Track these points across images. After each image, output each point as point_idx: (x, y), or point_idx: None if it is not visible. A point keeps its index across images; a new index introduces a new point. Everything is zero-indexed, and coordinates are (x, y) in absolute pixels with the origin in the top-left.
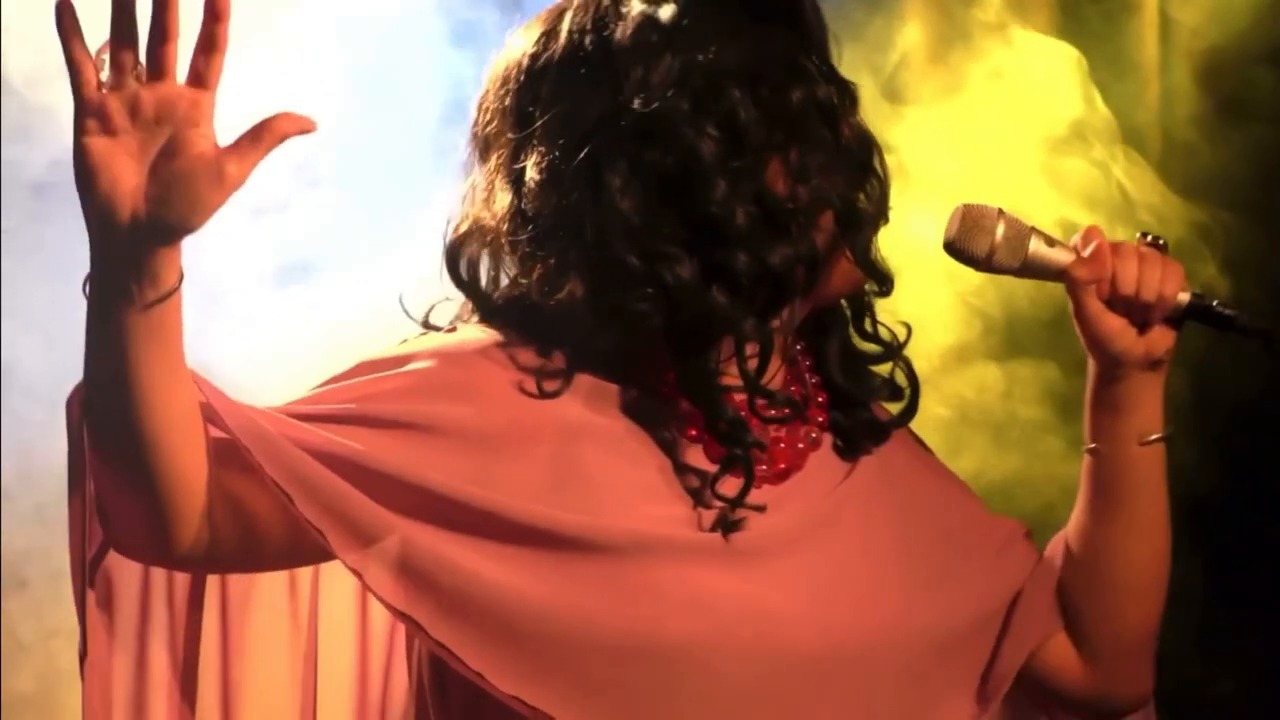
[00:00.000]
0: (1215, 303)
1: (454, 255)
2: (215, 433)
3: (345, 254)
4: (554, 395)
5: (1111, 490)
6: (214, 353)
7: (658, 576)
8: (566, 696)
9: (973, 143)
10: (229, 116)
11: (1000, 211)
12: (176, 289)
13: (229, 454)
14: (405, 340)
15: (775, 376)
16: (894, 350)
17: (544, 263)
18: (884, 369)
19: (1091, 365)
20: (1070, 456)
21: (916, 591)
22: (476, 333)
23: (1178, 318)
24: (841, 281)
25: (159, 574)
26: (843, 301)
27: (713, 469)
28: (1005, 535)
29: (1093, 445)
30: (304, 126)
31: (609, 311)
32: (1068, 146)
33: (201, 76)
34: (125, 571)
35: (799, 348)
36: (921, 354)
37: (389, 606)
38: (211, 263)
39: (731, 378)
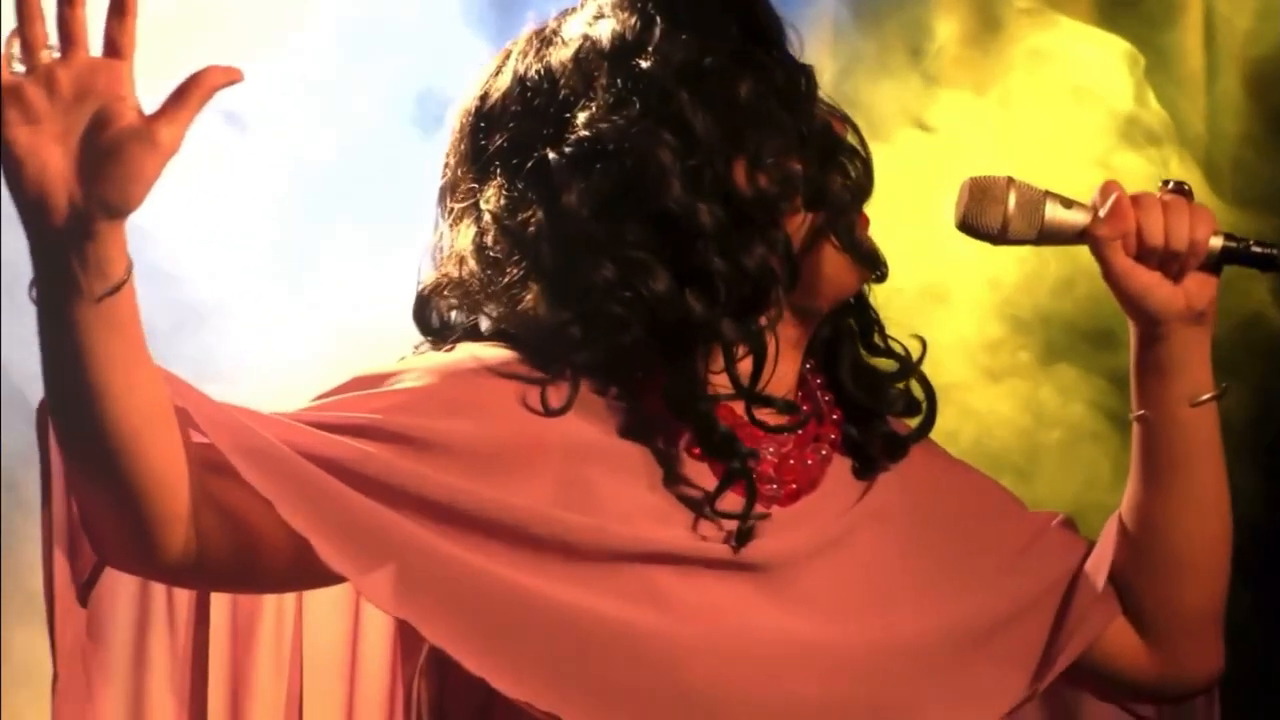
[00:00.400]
0: (1252, 242)
1: (423, 309)
2: (200, 436)
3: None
4: (559, 413)
5: (1163, 459)
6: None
7: (665, 584)
8: (578, 699)
9: (1019, 135)
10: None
11: (1010, 180)
12: (127, 279)
13: (218, 459)
14: (403, 358)
15: (783, 390)
16: (909, 364)
17: (511, 287)
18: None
19: (1132, 328)
20: (1118, 485)
21: (931, 603)
22: (477, 350)
23: (1214, 264)
24: (835, 273)
25: (159, 600)
26: (850, 320)
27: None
28: (1034, 529)
29: (1140, 412)
30: (232, 77)
31: (586, 324)
32: (1123, 142)
33: (116, 44)
34: (120, 597)
35: (809, 366)
36: (959, 363)
37: (392, 613)
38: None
39: (727, 388)
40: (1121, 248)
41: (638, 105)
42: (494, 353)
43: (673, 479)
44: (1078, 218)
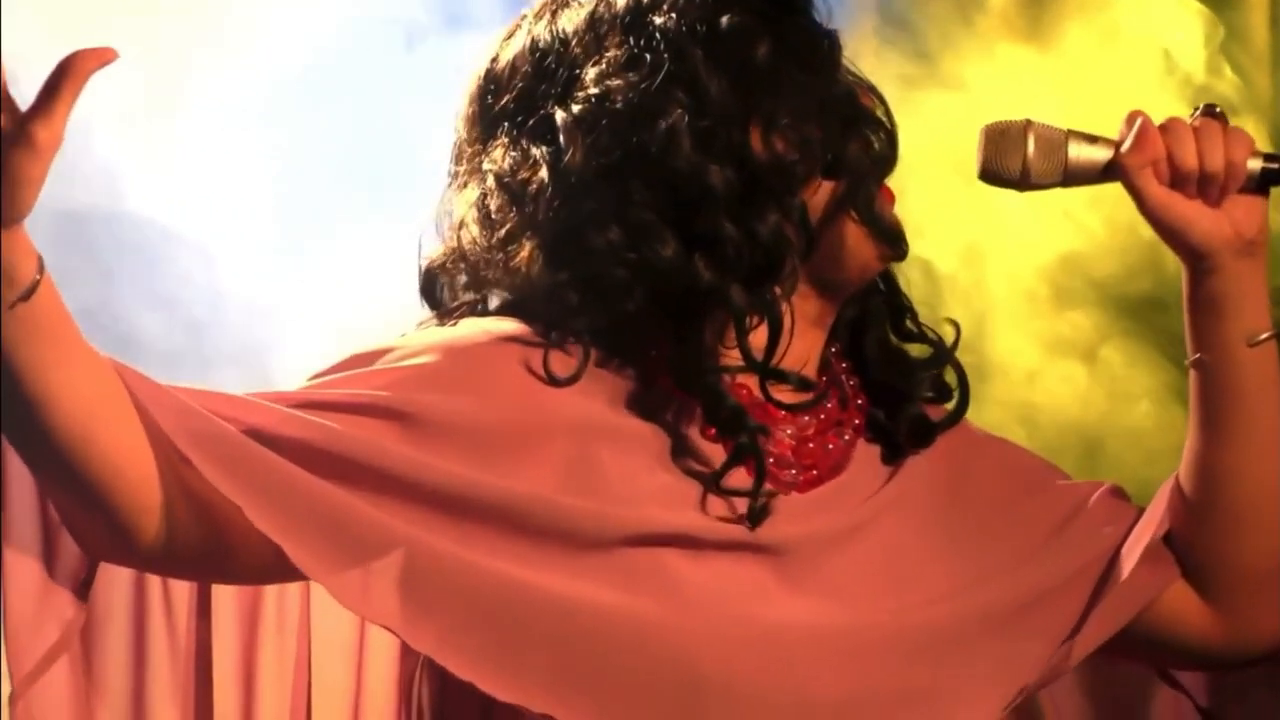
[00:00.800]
0: None
1: (430, 285)
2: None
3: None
4: (566, 384)
5: (1222, 404)
6: None
7: (675, 568)
8: (578, 698)
9: (1088, 99)
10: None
11: (1029, 122)
12: (39, 279)
13: None
14: (404, 334)
15: (800, 369)
16: (942, 349)
17: (510, 251)
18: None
19: (1183, 269)
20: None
21: (951, 586)
22: (484, 324)
23: (1258, 187)
24: (855, 246)
25: (155, 598)
26: (879, 303)
27: (734, 477)
28: (1075, 500)
29: (1196, 356)
30: (105, 58)
31: (586, 288)
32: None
33: None
34: (114, 597)
35: (834, 350)
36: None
37: (366, 617)
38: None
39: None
40: (1153, 176)
41: (650, 63)
42: (502, 326)
43: (683, 460)
44: (1103, 152)
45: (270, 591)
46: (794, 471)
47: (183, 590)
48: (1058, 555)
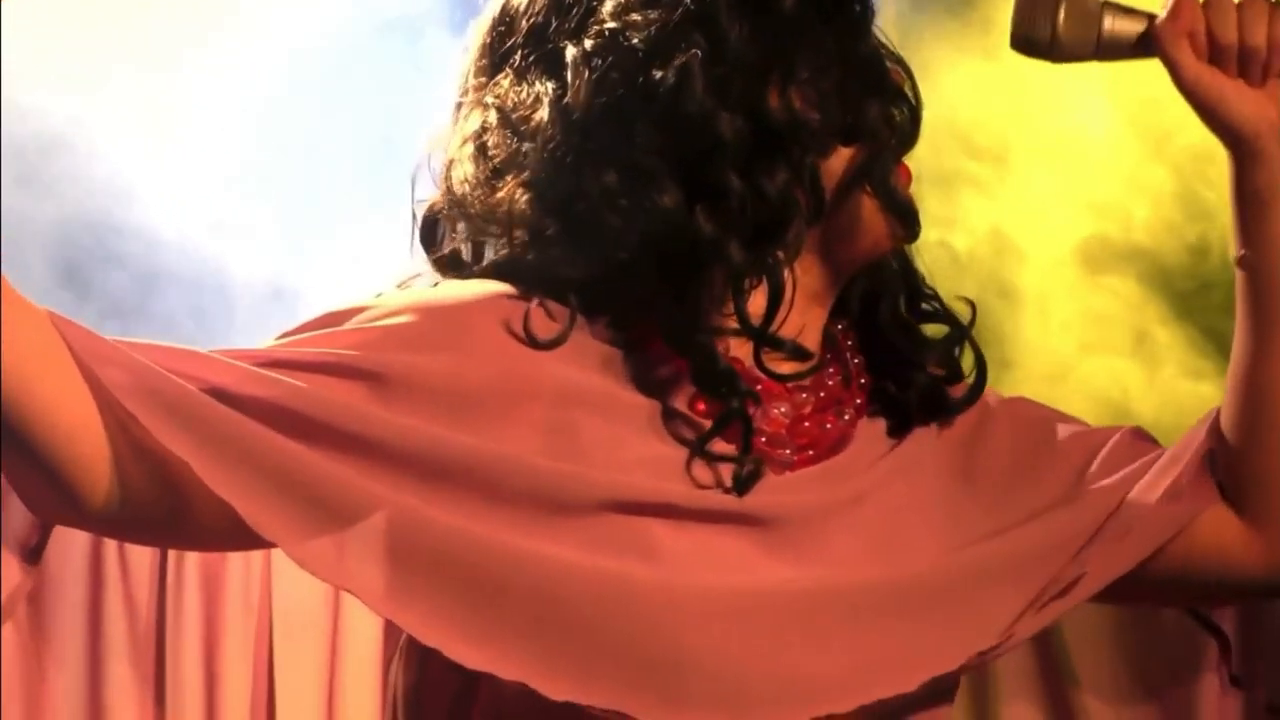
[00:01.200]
0: None
1: (429, 229)
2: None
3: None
4: (549, 346)
5: (1268, 304)
6: None
7: (660, 536)
8: (556, 665)
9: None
10: None
11: None
12: None
13: None
14: (380, 293)
15: (804, 340)
16: (959, 326)
17: (503, 184)
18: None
19: (1228, 158)
20: None
21: (954, 546)
22: (464, 285)
23: None
24: (868, 220)
25: (112, 564)
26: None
27: (721, 445)
28: (1092, 446)
29: (1241, 252)
30: None
31: (577, 234)
32: None
33: None
34: (69, 565)
35: (840, 326)
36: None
37: (333, 583)
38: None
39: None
40: (1189, 48)
41: (668, 1)
42: (487, 287)
43: (670, 428)
44: (1139, 24)
45: (234, 561)
46: (788, 451)
47: (142, 558)
48: (1074, 503)
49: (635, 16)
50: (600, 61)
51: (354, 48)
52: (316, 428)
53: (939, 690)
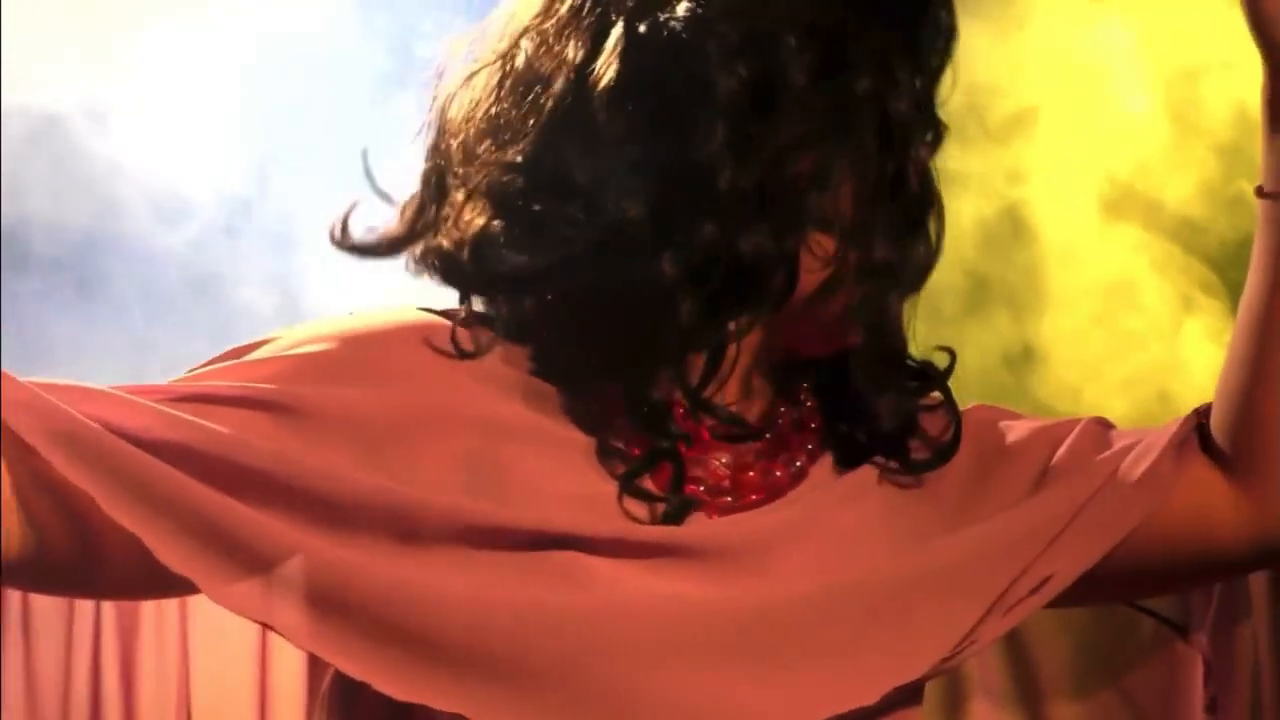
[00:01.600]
0: None
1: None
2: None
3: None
4: (472, 356)
5: None
6: None
7: (587, 571)
8: (482, 696)
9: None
10: None
11: None
12: None
13: None
14: (292, 327)
15: (751, 395)
16: (934, 376)
17: (489, 150)
18: None
19: (1264, 73)
20: None
21: (890, 557)
22: (382, 312)
23: None
24: (823, 332)
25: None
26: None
27: (653, 490)
28: (1052, 441)
29: (1273, 188)
30: None
31: (531, 221)
32: None
33: None
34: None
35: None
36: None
37: (253, 618)
38: None
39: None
40: None
41: (732, 27)
42: (407, 314)
43: (608, 464)
44: None
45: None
46: (730, 499)
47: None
48: (1037, 498)
49: (703, 14)
50: (642, 49)
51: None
52: (230, 469)
53: (904, 694)
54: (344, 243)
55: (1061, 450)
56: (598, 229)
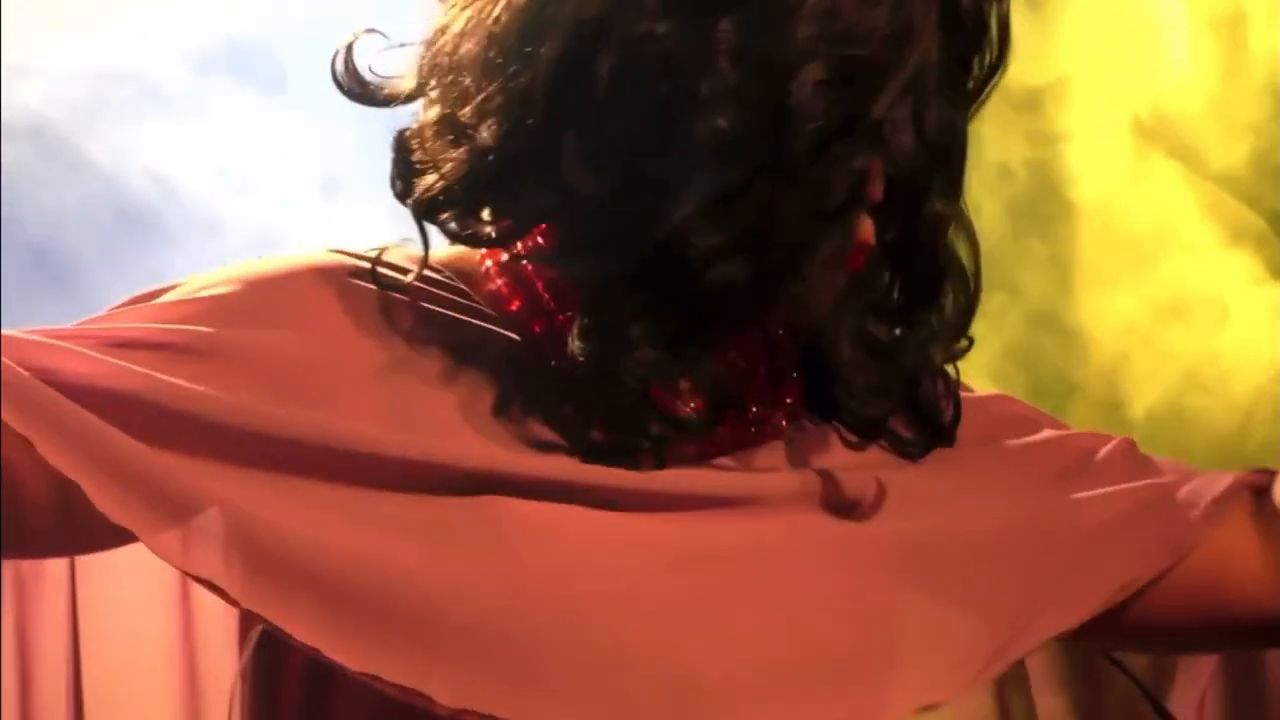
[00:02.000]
0: None
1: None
2: None
3: None
4: (396, 288)
5: None
6: None
7: (516, 515)
8: (421, 659)
9: None
10: None
11: None
12: None
13: None
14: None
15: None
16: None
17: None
18: None
19: None
20: None
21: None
22: (296, 255)
23: None
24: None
25: None
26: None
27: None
28: (1077, 452)
29: None
30: None
31: (515, 157)
32: None
33: None
34: None
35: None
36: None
37: (183, 569)
38: None
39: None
40: None
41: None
42: (321, 256)
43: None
44: None
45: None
46: (693, 449)
47: None
48: (1061, 510)
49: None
50: (696, 10)
51: None
52: (159, 414)
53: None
54: (346, 79)
55: (1095, 463)
56: (566, 188)
